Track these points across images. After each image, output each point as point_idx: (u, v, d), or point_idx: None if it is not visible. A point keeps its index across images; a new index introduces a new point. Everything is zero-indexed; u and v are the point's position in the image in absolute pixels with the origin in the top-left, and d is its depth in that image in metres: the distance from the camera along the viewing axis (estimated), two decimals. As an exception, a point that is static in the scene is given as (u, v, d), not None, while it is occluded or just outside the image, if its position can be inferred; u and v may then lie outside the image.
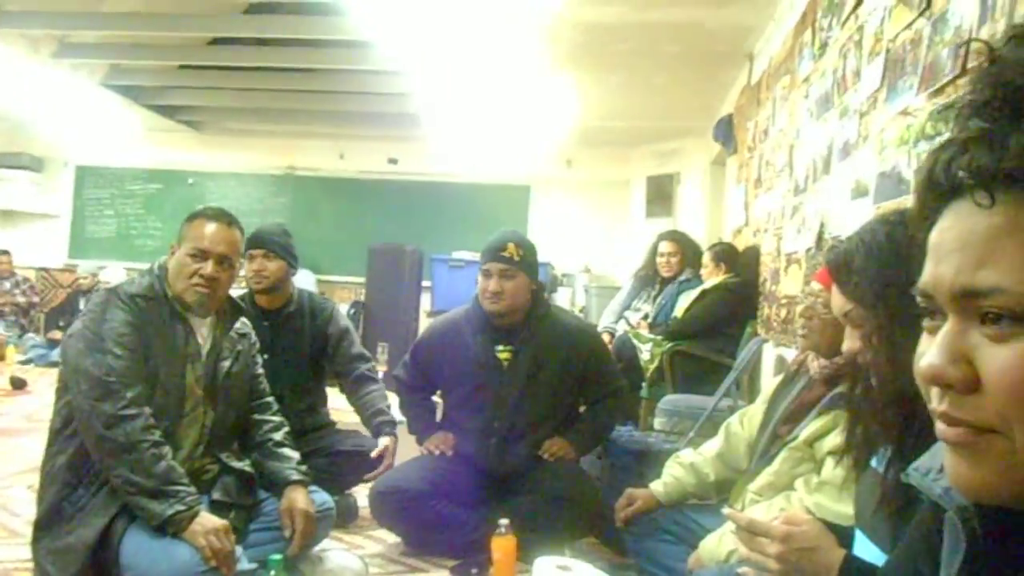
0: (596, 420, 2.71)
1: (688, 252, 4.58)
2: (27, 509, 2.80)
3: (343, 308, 7.67)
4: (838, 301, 1.27)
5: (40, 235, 8.95)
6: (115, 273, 7.49)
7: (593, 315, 7.08)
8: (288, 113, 7.51)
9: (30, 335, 8.11)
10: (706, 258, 4.35)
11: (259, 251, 2.73)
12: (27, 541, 2.41)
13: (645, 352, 4.24)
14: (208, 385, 2.06)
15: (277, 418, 2.25)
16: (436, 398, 2.88)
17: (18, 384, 5.89)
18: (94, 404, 1.82)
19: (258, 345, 2.30)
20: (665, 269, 4.61)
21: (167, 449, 1.86)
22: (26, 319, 8.36)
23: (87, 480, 1.88)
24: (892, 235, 1.15)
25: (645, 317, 4.71)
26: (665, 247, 4.60)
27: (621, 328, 4.70)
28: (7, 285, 8.29)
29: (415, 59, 5.19)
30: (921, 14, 2.11)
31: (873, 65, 2.48)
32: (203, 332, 2.07)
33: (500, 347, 2.62)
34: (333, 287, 8.31)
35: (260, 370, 2.28)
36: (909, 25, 2.19)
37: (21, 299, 8.31)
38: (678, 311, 4.36)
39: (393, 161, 8.27)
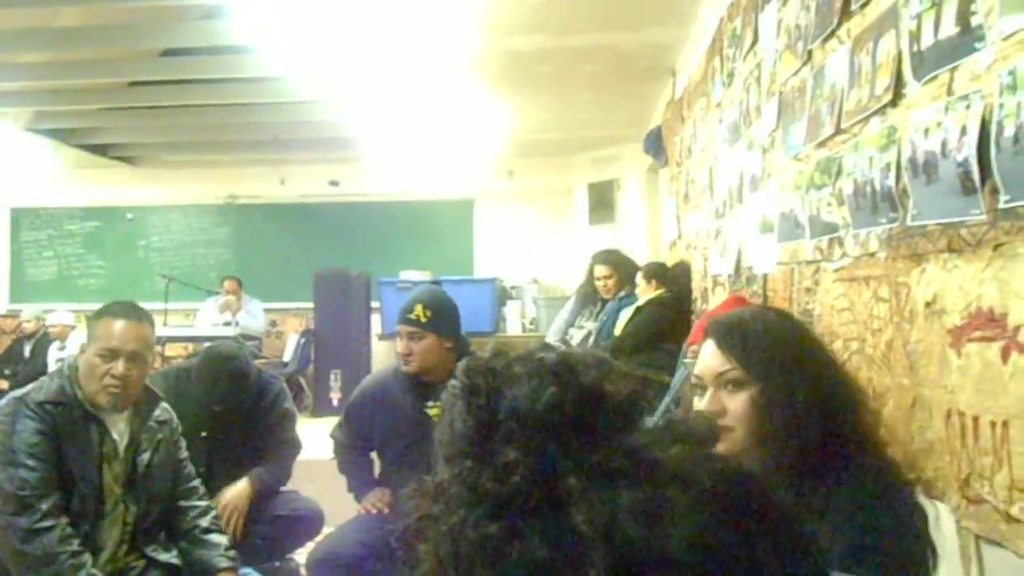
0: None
1: (623, 271, 4.65)
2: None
3: (293, 338, 7.65)
4: (715, 361, 1.32)
5: (-26, 282, 8.74)
6: (62, 316, 7.37)
7: (542, 326, 7.15)
8: (225, 144, 7.42)
9: (-26, 386, 7.95)
10: (638, 277, 4.43)
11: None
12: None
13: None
14: (128, 481, 2.06)
15: (203, 502, 2.25)
16: (374, 455, 2.90)
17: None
18: (9, 519, 1.81)
19: (180, 428, 2.29)
20: (604, 291, 4.68)
21: (87, 557, 1.86)
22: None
23: (8, 592, 1.87)
24: (784, 317, 1.41)
25: (588, 335, 4.78)
26: (600, 271, 4.66)
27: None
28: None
29: (339, 89, 5.18)
30: (804, 64, 2.18)
31: (770, 104, 2.55)
32: (120, 427, 2.07)
33: (430, 403, 2.65)
34: (284, 315, 8.25)
35: (184, 454, 2.28)
36: (796, 72, 2.26)
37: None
38: (618, 328, 4.44)
39: (335, 183, 8.22)
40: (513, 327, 7.42)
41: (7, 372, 7.86)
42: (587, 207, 7.78)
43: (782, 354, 1.28)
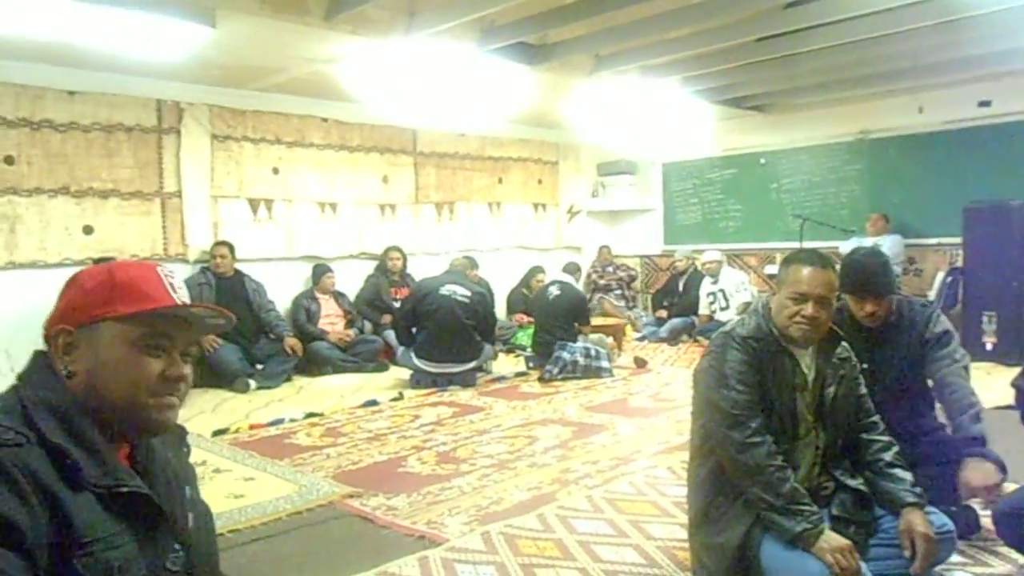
0: None
1: None
2: (672, 490, 3.41)
3: (939, 276, 7.18)
4: None
5: (639, 227, 10.39)
6: (713, 255, 8.31)
7: None
8: (854, 80, 7.27)
9: (640, 313, 9.60)
10: None
11: (873, 297, 2.73)
12: (676, 521, 2.99)
13: None
14: (816, 410, 2.27)
15: (885, 438, 2.34)
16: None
17: (640, 363, 7.01)
18: (725, 432, 2.18)
19: (858, 367, 2.41)
20: None
21: (790, 472, 2.13)
22: (629, 290, 9.95)
23: (725, 491, 2.25)
24: None
25: None
26: None
27: None
28: (611, 269, 10.01)
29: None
30: None
31: None
32: (806, 362, 2.29)
33: None
34: (922, 251, 7.77)
35: (863, 390, 2.39)
36: None
37: (622, 274, 9.98)
38: None
39: (985, 104, 7.30)
40: None
41: (665, 304, 9.25)
42: None
43: None
